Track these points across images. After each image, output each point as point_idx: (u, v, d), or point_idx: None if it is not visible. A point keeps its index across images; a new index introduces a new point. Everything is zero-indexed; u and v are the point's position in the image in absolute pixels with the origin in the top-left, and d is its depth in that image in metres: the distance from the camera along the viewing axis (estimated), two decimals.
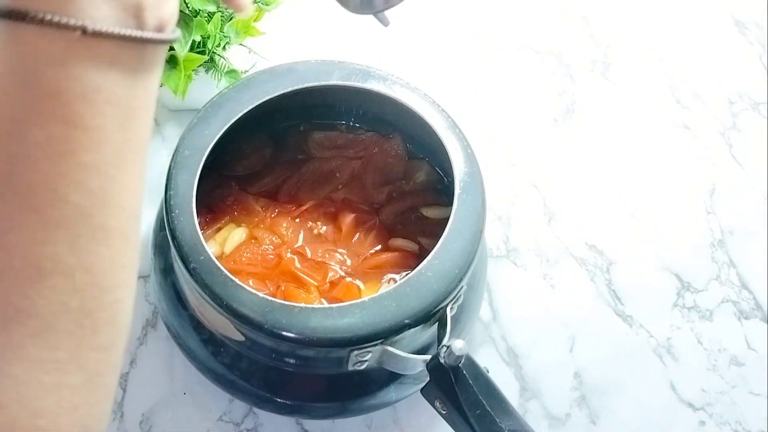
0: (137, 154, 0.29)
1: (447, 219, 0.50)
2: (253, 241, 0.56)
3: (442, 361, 0.46)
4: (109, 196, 0.27)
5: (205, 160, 0.52)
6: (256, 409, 0.59)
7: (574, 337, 0.63)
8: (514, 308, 0.64)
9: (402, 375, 0.53)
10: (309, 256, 0.55)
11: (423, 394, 0.49)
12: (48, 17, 0.25)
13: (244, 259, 0.55)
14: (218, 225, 0.56)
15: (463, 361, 0.46)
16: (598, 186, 0.71)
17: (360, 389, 0.55)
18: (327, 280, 0.54)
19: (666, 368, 0.63)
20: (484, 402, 0.45)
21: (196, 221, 0.49)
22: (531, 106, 0.75)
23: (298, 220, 0.57)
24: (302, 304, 0.48)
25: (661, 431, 0.61)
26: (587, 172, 0.71)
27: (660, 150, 0.73)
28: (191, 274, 0.48)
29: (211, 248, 0.53)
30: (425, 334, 0.51)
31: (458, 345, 0.45)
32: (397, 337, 0.48)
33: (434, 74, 0.76)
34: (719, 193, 0.71)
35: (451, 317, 0.49)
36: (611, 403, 0.61)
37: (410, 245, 0.56)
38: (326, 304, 0.52)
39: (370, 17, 0.45)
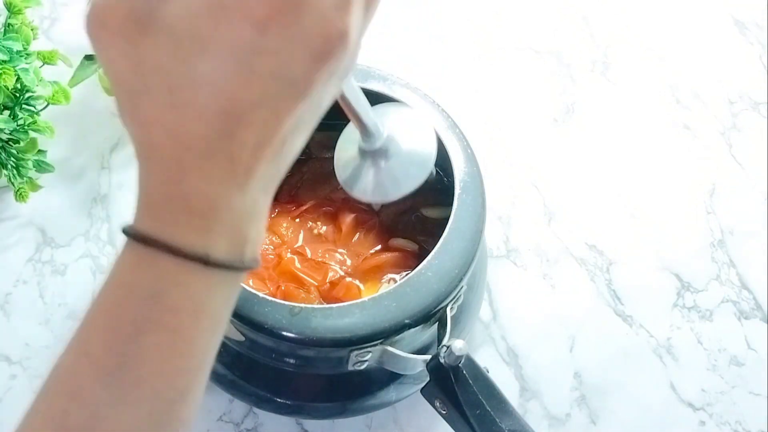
0: (215, 354, 0.33)
1: (447, 219, 0.50)
2: None
3: (442, 361, 0.46)
4: (191, 393, 0.32)
5: None
6: (256, 409, 0.59)
7: (574, 337, 0.63)
8: (514, 308, 0.64)
9: (402, 375, 0.53)
10: (309, 256, 0.55)
11: (423, 394, 0.49)
12: (181, 248, 0.29)
13: None
14: None
15: (463, 361, 0.46)
16: (598, 186, 0.71)
17: (360, 389, 0.55)
18: (327, 280, 0.54)
19: (666, 368, 0.63)
20: (484, 402, 0.45)
21: None
22: (531, 106, 0.75)
23: (298, 220, 0.57)
24: (302, 304, 0.48)
25: (661, 431, 0.61)
26: (587, 172, 0.71)
27: (660, 150, 0.73)
28: None
29: None
30: (425, 334, 0.51)
31: (458, 345, 0.45)
32: (397, 337, 0.48)
33: (434, 74, 0.76)
34: (719, 193, 0.71)
35: (451, 317, 0.49)
36: (611, 403, 0.61)
37: (410, 245, 0.56)
38: (326, 304, 0.52)
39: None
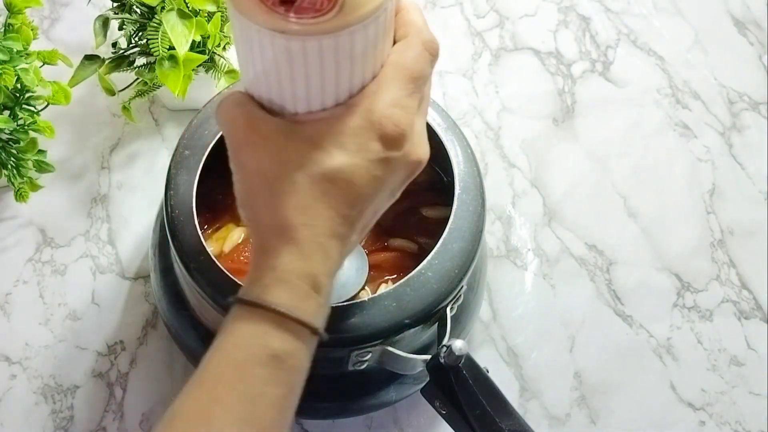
0: None
1: (447, 219, 0.50)
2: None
3: (442, 361, 0.46)
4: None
5: (205, 160, 0.52)
6: None
7: (574, 337, 0.63)
8: (514, 308, 0.64)
9: (402, 375, 0.53)
10: None
11: (423, 394, 0.49)
12: (303, 320, 0.36)
13: (243, 258, 0.54)
14: (218, 225, 0.56)
15: (463, 361, 0.46)
16: (598, 186, 0.71)
17: (360, 389, 0.55)
18: None
19: (666, 368, 0.63)
20: (484, 402, 0.45)
21: (196, 221, 0.49)
22: (531, 106, 0.75)
23: None
24: None
25: (661, 431, 0.61)
26: (587, 172, 0.71)
27: (660, 150, 0.73)
28: (191, 274, 0.48)
29: (211, 248, 0.53)
30: (425, 334, 0.51)
31: (458, 345, 0.45)
32: (397, 337, 0.48)
33: (434, 74, 0.75)
34: (719, 193, 0.71)
35: (451, 317, 0.49)
36: (611, 403, 0.61)
37: (410, 245, 0.56)
38: None
39: None
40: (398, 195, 0.40)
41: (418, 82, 0.38)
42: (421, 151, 0.38)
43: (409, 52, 0.38)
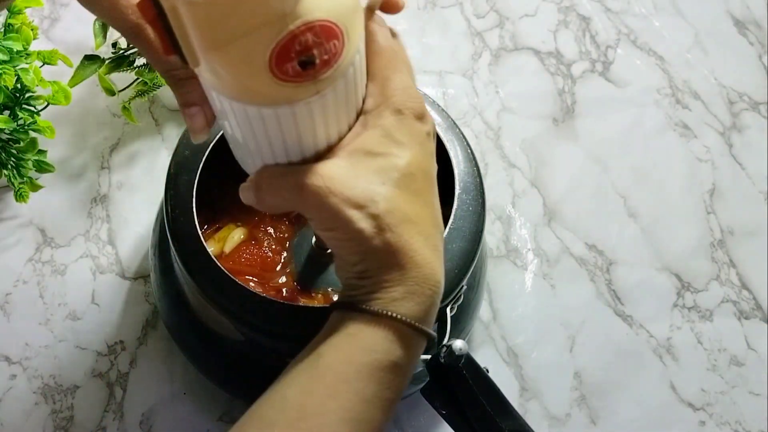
0: None
1: (447, 219, 0.50)
2: (253, 241, 0.56)
3: (442, 360, 0.46)
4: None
5: (205, 160, 0.51)
6: None
7: (574, 337, 0.63)
8: (514, 308, 0.64)
9: None
10: None
11: (423, 394, 0.48)
12: (426, 330, 0.38)
13: (243, 259, 0.54)
14: (218, 225, 0.56)
15: (463, 361, 0.46)
16: (598, 186, 0.71)
17: None
18: None
19: (666, 368, 0.63)
20: (484, 402, 0.45)
21: (196, 221, 0.49)
22: (531, 106, 0.75)
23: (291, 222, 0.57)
24: (302, 304, 0.48)
25: (661, 431, 0.61)
26: (587, 172, 0.71)
27: (660, 150, 0.73)
28: (191, 274, 0.48)
29: (211, 248, 0.53)
30: None
31: (458, 345, 0.45)
32: None
33: (434, 74, 0.76)
34: (719, 193, 0.71)
35: (451, 317, 0.49)
36: (611, 403, 0.61)
37: None
38: (327, 304, 0.52)
39: None
40: None
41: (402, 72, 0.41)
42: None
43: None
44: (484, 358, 0.62)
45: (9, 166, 0.62)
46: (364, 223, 0.37)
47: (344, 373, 0.37)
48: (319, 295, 0.54)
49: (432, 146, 0.40)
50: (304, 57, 0.33)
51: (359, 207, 0.37)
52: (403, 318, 0.38)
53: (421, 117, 0.39)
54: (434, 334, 0.39)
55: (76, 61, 0.65)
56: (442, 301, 0.48)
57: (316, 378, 0.37)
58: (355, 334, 0.38)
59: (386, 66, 0.40)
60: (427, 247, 0.38)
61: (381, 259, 0.38)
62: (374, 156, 0.38)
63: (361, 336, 0.38)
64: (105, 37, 0.64)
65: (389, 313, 0.37)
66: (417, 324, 0.38)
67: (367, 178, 0.37)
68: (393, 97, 0.39)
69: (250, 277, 0.54)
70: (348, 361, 0.37)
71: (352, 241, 0.37)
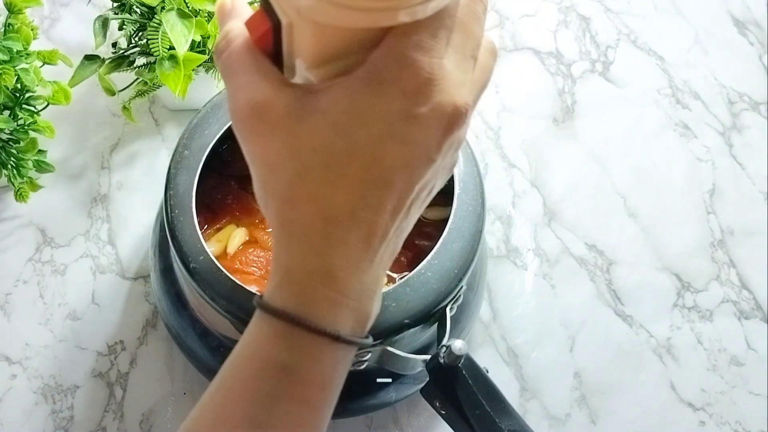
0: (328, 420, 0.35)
1: (446, 219, 0.50)
2: (253, 242, 0.56)
3: (441, 361, 0.46)
4: None
5: (205, 160, 0.51)
6: None
7: (574, 337, 0.63)
8: (514, 308, 0.64)
9: (402, 375, 0.53)
10: None
11: (423, 394, 0.49)
12: (317, 324, 0.32)
13: (243, 259, 0.54)
14: (218, 225, 0.56)
15: (462, 361, 0.46)
16: (598, 186, 0.71)
17: (360, 389, 0.55)
18: None
19: (666, 368, 0.63)
20: (483, 402, 0.45)
21: (196, 221, 0.49)
22: (531, 106, 0.75)
23: None
24: None
25: (661, 431, 0.61)
26: (587, 172, 0.71)
27: (660, 150, 0.73)
28: (191, 274, 0.48)
29: (211, 248, 0.53)
30: (425, 334, 0.51)
31: (458, 345, 0.45)
32: (397, 337, 0.47)
33: None
34: (719, 193, 0.71)
35: (451, 317, 0.49)
36: (611, 403, 0.61)
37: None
38: None
39: None
40: (444, 159, 0.33)
41: (440, 16, 0.31)
42: (458, 97, 0.31)
43: None
44: (484, 358, 0.62)
45: (9, 166, 0.62)
46: (263, 180, 0.33)
47: (231, 391, 0.33)
48: None
49: (420, 137, 0.32)
50: None
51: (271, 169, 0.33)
52: (282, 310, 0.32)
53: (411, 94, 0.31)
54: (328, 327, 0.32)
55: (76, 60, 0.65)
56: (442, 301, 0.48)
57: (209, 399, 0.34)
58: (242, 339, 0.34)
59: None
60: (320, 234, 0.32)
61: (273, 230, 0.33)
62: (327, 121, 0.31)
63: (246, 340, 0.34)
64: (105, 37, 0.64)
65: (268, 306, 0.32)
66: (298, 316, 0.32)
67: (296, 142, 0.32)
68: (392, 54, 0.31)
69: (251, 277, 0.54)
70: (234, 375, 0.34)
71: (254, 184, 0.34)
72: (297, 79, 0.34)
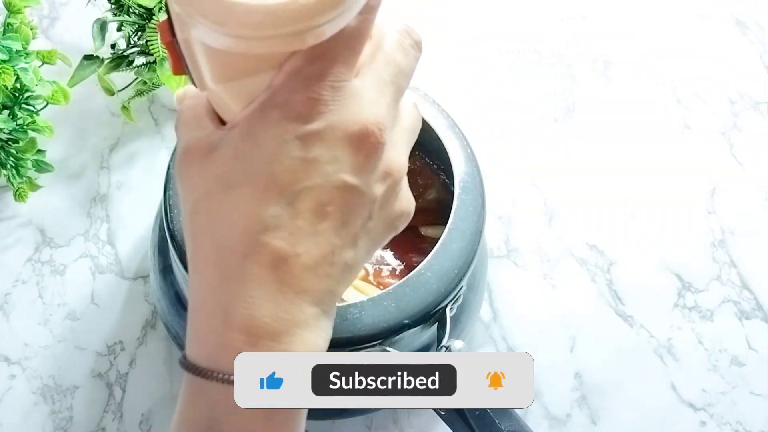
0: None
1: (447, 219, 0.50)
2: None
3: None
4: None
5: None
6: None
7: (575, 338, 0.63)
8: (515, 308, 0.64)
9: None
10: None
11: None
12: (217, 374, 0.29)
13: None
14: None
15: None
16: (598, 186, 0.71)
17: None
18: None
19: (667, 368, 0.63)
20: None
21: None
22: (531, 105, 0.75)
23: None
24: None
25: None
26: (587, 172, 0.71)
27: (660, 150, 0.73)
28: None
29: None
30: (425, 334, 0.50)
31: (457, 346, 0.45)
32: (397, 338, 0.47)
33: (434, 74, 0.75)
34: (720, 192, 0.71)
35: (451, 318, 0.49)
36: (612, 404, 0.61)
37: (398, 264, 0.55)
38: None
39: None
40: (371, 186, 0.32)
41: (341, 39, 0.31)
42: (367, 116, 0.31)
43: None
44: None
45: (8, 166, 0.62)
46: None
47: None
48: None
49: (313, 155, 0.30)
50: None
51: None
52: (186, 363, 0.31)
53: (304, 119, 0.30)
54: (217, 368, 0.30)
55: (76, 60, 0.65)
56: (442, 302, 0.48)
57: None
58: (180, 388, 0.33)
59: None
60: (215, 266, 0.30)
61: (189, 256, 0.33)
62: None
63: (180, 403, 0.33)
64: (103, 40, 0.64)
65: (180, 359, 0.31)
66: (205, 366, 0.30)
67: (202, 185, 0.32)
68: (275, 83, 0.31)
69: None
70: (174, 422, 0.33)
71: None
72: (210, 94, 0.34)
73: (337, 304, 0.47)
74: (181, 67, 0.33)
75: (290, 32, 0.30)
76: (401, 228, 0.36)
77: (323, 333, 0.32)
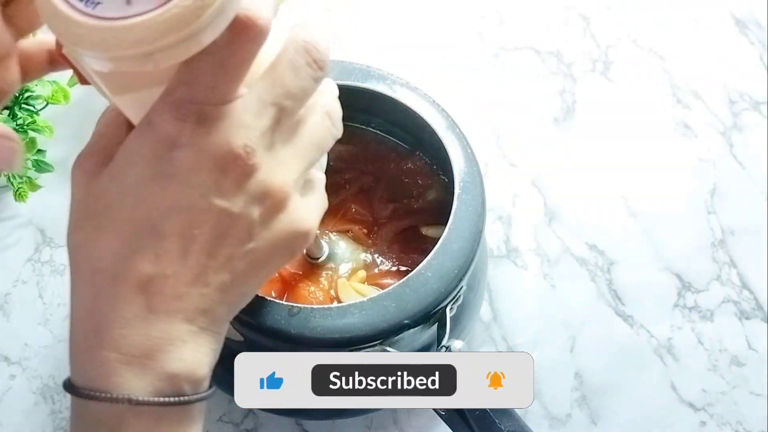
0: None
1: (447, 219, 0.50)
2: None
3: None
4: None
5: None
6: (255, 410, 0.59)
7: (575, 338, 0.63)
8: (515, 308, 0.64)
9: None
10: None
11: None
12: (103, 391, 0.29)
13: None
14: None
15: None
16: (598, 186, 0.70)
17: None
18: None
19: (667, 368, 0.63)
20: None
21: None
22: (531, 106, 0.75)
23: None
24: (302, 304, 0.48)
25: None
26: (587, 172, 0.71)
27: (660, 150, 0.73)
28: None
29: None
30: (425, 334, 0.50)
31: (457, 346, 0.45)
32: (397, 338, 0.47)
33: (434, 74, 0.75)
34: (720, 193, 0.71)
35: (451, 317, 0.49)
36: (612, 404, 0.61)
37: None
38: (326, 305, 0.51)
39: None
40: (246, 210, 0.31)
41: (211, 58, 0.31)
42: (234, 138, 0.31)
43: None
44: None
45: None
46: None
47: None
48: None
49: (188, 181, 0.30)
50: None
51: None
52: (67, 384, 0.31)
53: (174, 144, 0.30)
54: (119, 396, 0.29)
55: None
56: (442, 302, 0.48)
57: None
58: None
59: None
60: (89, 286, 0.31)
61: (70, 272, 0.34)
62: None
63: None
64: None
65: (63, 381, 0.32)
66: (82, 388, 0.30)
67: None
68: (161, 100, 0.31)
69: None
70: None
71: None
72: (112, 106, 0.33)
73: (338, 305, 0.48)
74: (84, 79, 0.33)
75: (138, 54, 0.29)
76: (299, 249, 0.34)
77: (204, 349, 0.32)
